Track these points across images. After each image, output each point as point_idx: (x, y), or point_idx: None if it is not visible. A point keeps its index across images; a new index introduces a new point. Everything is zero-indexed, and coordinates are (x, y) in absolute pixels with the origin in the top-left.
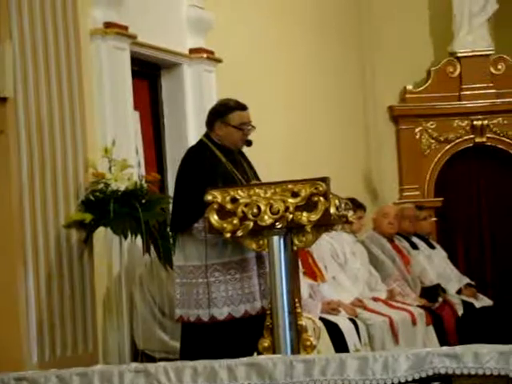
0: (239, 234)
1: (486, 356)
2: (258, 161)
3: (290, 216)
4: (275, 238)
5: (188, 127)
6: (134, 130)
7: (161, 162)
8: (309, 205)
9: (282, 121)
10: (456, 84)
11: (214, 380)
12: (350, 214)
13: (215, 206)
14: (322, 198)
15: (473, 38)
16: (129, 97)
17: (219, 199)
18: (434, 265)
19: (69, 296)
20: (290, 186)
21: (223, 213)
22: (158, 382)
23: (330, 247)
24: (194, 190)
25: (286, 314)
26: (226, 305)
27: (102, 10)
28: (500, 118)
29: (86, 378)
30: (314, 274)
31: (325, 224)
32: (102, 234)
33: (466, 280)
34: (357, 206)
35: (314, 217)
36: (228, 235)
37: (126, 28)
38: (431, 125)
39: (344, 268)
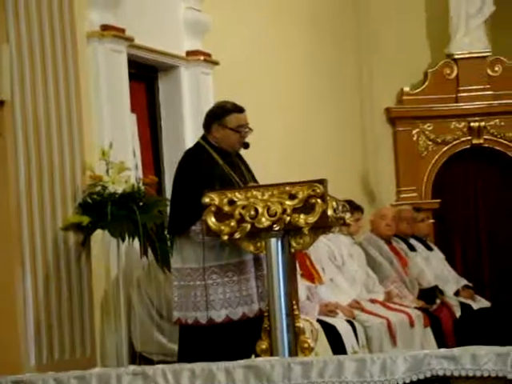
0: (237, 236)
1: (483, 358)
2: (256, 163)
3: (288, 218)
4: (273, 240)
5: (185, 129)
6: (131, 133)
7: (158, 164)
8: (306, 207)
9: (279, 123)
10: (453, 86)
11: (211, 382)
12: (348, 216)
13: (213, 209)
14: (319, 200)
15: (470, 39)
16: (126, 99)
17: (217, 201)
18: (432, 266)
19: (66, 298)
20: (287, 188)
21: (221, 215)
22: None
23: (327, 249)
24: (191, 193)
25: (284, 316)
26: (223, 307)
27: (98, 13)
28: (497, 120)
29: (83, 381)
30: (311, 276)
31: (322, 226)
32: (99, 236)
33: (464, 282)
34: (354, 207)
35: (312, 219)
36: (225, 237)
37: (122, 30)
38: (428, 126)
39: (341, 270)
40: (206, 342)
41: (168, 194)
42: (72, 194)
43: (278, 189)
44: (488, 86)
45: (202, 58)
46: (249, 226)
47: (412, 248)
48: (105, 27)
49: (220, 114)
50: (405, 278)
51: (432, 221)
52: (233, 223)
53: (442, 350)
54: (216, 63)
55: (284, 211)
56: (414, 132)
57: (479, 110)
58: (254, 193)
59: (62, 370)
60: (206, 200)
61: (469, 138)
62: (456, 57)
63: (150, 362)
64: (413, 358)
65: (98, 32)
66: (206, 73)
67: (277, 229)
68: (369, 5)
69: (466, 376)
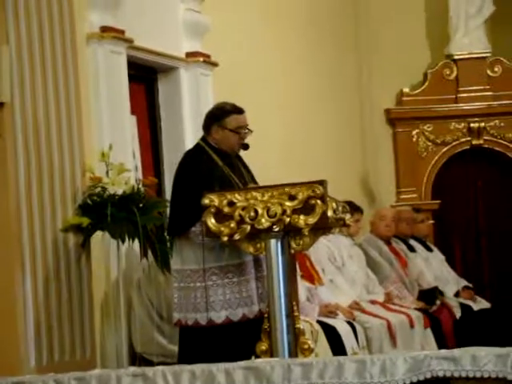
0: (236, 237)
1: (483, 359)
2: (255, 164)
3: (288, 219)
4: (272, 242)
5: (185, 131)
6: (130, 134)
7: (158, 165)
8: (306, 208)
9: (278, 124)
10: (453, 86)
11: None
12: (348, 216)
13: (212, 210)
14: (319, 201)
15: (469, 40)
16: (125, 101)
17: (216, 203)
18: (432, 267)
19: (66, 300)
20: (287, 189)
21: (220, 216)
22: None
23: (327, 250)
24: (191, 194)
25: (284, 317)
26: (223, 308)
27: (98, 14)
28: (497, 121)
29: (83, 382)
30: (311, 277)
31: (322, 227)
32: (99, 238)
33: (464, 282)
34: (354, 208)
35: (312, 220)
36: (225, 239)
37: (122, 32)
38: (428, 127)
39: (341, 271)
40: (206, 343)
41: (168, 195)
42: (72, 196)
43: (277, 190)
44: (488, 87)
45: (201, 59)
46: (249, 227)
47: (412, 249)
48: (104, 29)
49: (219, 116)
50: (405, 278)
51: (432, 221)
52: (232, 224)
53: (442, 351)
54: (215, 64)
55: (284, 212)
56: (414, 133)
57: (479, 111)
58: (254, 194)
59: (62, 372)
60: (206, 201)
61: (468, 138)
62: (456, 57)
63: (150, 364)
64: (413, 359)
65: (98, 33)
66: (205, 74)
67: (276, 230)
68: (369, 5)
69: (466, 377)
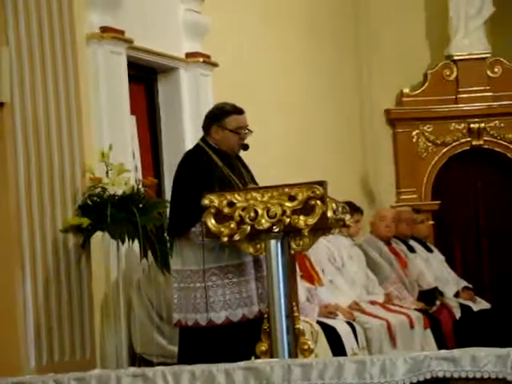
0: (236, 238)
1: (483, 359)
2: (255, 164)
3: (287, 220)
4: (272, 242)
5: (185, 131)
6: (130, 135)
7: (158, 166)
8: (306, 208)
9: (278, 124)
10: (453, 87)
11: None
12: (347, 217)
13: (212, 210)
14: (319, 202)
15: (469, 40)
16: (125, 101)
17: (216, 203)
18: (432, 268)
19: (66, 300)
20: (287, 190)
21: (220, 217)
22: None
23: (327, 251)
24: (190, 195)
25: (284, 317)
26: (223, 309)
27: (98, 15)
28: (497, 121)
29: (83, 383)
30: (311, 277)
31: (322, 228)
32: (99, 238)
33: (464, 283)
34: (354, 209)
35: (311, 220)
36: (225, 239)
37: (122, 32)
38: (428, 128)
39: (341, 271)
40: (205, 343)
41: (168, 195)
42: (72, 196)
43: (277, 190)
44: (488, 88)
45: (201, 59)
46: (248, 228)
47: (412, 249)
48: (104, 29)
49: (219, 116)
50: (404, 279)
51: (432, 222)
52: (232, 225)
53: (442, 352)
54: (215, 65)
55: (284, 213)
56: (414, 133)
57: (479, 112)
58: (254, 194)
59: (62, 372)
60: (206, 202)
61: (468, 139)
62: (456, 58)
63: (150, 364)
64: (413, 360)
65: (98, 34)
66: (205, 74)
67: (276, 230)
68: (369, 5)
69: (466, 378)
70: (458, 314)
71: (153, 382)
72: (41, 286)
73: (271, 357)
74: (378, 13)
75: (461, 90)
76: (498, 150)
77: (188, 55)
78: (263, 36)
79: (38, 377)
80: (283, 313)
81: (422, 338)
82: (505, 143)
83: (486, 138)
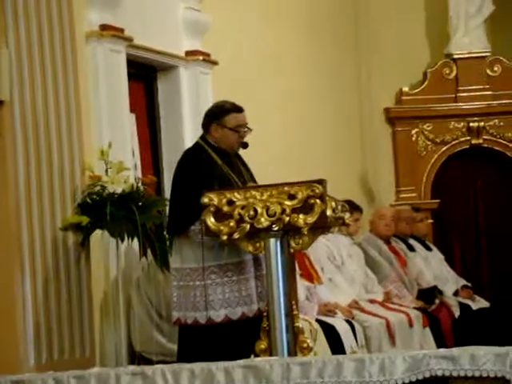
0: (236, 236)
1: (482, 358)
2: (255, 163)
3: (287, 218)
4: (272, 241)
5: (184, 129)
6: (130, 133)
7: (157, 164)
8: (305, 207)
9: (278, 123)
10: (452, 86)
11: (211, 382)
12: (347, 216)
13: (212, 209)
14: (318, 201)
15: (469, 39)
16: (125, 99)
17: (216, 202)
18: (431, 267)
19: (66, 299)
20: (286, 189)
21: (220, 215)
22: None
23: (326, 249)
24: (190, 193)
25: (283, 316)
26: (223, 307)
27: (97, 13)
28: (496, 120)
29: (83, 381)
30: (310, 276)
31: (321, 226)
32: (98, 236)
33: (463, 282)
34: (353, 208)
35: (311, 219)
36: (225, 238)
37: (121, 30)
38: (427, 126)
39: (341, 270)
40: (205, 341)
41: (167, 193)
42: (71, 194)
43: (277, 189)
44: (487, 86)
45: (201, 57)
46: (248, 226)
47: (411, 248)
48: (104, 27)
49: (219, 114)
50: (404, 278)
51: (431, 221)
52: (232, 223)
53: (441, 350)
54: (215, 63)
55: (283, 211)
56: (413, 132)
57: (478, 110)
58: (253, 193)
59: (62, 370)
60: (205, 200)
61: (468, 138)
62: (455, 57)
63: (150, 362)
64: (412, 358)
65: (97, 32)
66: (205, 73)
67: (276, 229)
68: (368, 5)
69: (465, 376)
70: (457, 313)
71: (152, 381)
72: (40, 284)
73: (270, 355)
74: (378, 11)
75: (460, 88)
76: (497, 148)
77: (188, 53)
78: (263, 34)
79: (38, 375)
80: (282, 311)
81: (421, 336)
82: (504, 142)
83: (485, 137)
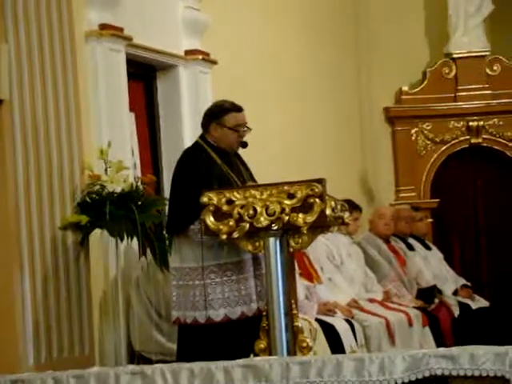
0: (235, 235)
1: (482, 357)
2: (254, 162)
3: (286, 217)
4: (271, 240)
5: (184, 129)
6: (129, 132)
7: (156, 163)
8: (305, 206)
9: (277, 122)
10: (452, 85)
11: (210, 382)
12: (346, 215)
13: (211, 208)
14: (317, 200)
15: (468, 38)
16: (124, 98)
17: (215, 201)
18: (431, 266)
19: (65, 298)
20: (285, 188)
21: (219, 214)
22: None
23: (325, 249)
24: (189, 192)
25: (282, 315)
26: (222, 306)
27: (97, 12)
28: (496, 119)
29: (82, 380)
30: (310, 275)
31: (321, 225)
32: (97, 236)
33: (462, 281)
34: (353, 207)
35: (310, 218)
36: (224, 237)
37: (121, 30)
38: (427, 126)
39: (340, 269)
40: (204, 341)
41: (166, 193)
42: (70, 194)
43: (276, 188)
44: (487, 86)
45: (200, 57)
46: (247, 226)
47: (410, 247)
48: (103, 26)
49: (218, 113)
50: (403, 277)
51: (430, 220)
52: (231, 222)
53: (441, 350)
54: (215, 62)
55: (282, 210)
56: (413, 131)
57: (478, 110)
58: (253, 192)
59: (61, 369)
60: (205, 199)
61: (467, 137)
62: (455, 56)
63: (149, 362)
64: (411, 358)
65: (97, 31)
66: (204, 72)
67: (275, 228)
68: (368, 4)
69: (465, 375)
70: (456, 312)
71: (151, 380)
72: (39, 284)
73: (270, 354)
74: (378, 11)
75: (460, 88)
76: (496, 148)
77: (187, 53)
78: (263, 34)
79: (37, 374)
80: (282, 310)
81: (420, 335)
82: (504, 141)
83: (484, 136)
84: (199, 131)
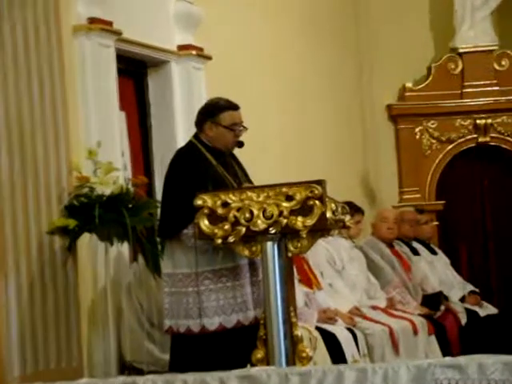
0: (231, 239)
1: (490, 367)
2: (250, 163)
3: (285, 221)
4: (269, 244)
5: (176, 128)
6: (119, 131)
7: (148, 164)
8: (304, 209)
9: (275, 121)
10: (458, 81)
11: None
12: (347, 218)
13: (205, 211)
14: (317, 202)
15: (475, 32)
16: (114, 96)
17: (209, 203)
18: (436, 271)
19: (52, 306)
20: (284, 190)
21: (214, 218)
22: None
23: (326, 253)
24: (183, 194)
25: (281, 323)
26: (217, 314)
27: (85, 5)
28: (504, 117)
29: None
30: (309, 281)
31: (321, 229)
32: (86, 240)
33: (470, 287)
34: (354, 209)
35: (310, 221)
36: (219, 241)
37: (110, 24)
38: (432, 124)
39: (341, 275)
40: (198, 351)
41: (158, 195)
42: (57, 196)
43: (274, 190)
44: (495, 82)
45: (193, 52)
46: (244, 229)
47: (415, 252)
48: (92, 20)
49: (213, 112)
50: (408, 283)
51: (436, 223)
52: (227, 226)
53: (447, 359)
54: (209, 58)
55: (281, 213)
56: (417, 130)
57: (485, 107)
58: (249, 194)
59: (48, 381)
60: (199, 202)
61: (475, 135)
62: (461, 51)
63: (140, 373)
64: (416, 368)
65: (85, 25)
66: (198, 68)
67: (273, 232)
68: None
69: None
70: (463, 320)
71: None
72: (25, 291)
73: (268, 365)
74: (381, 4)
75: (466, 84)
76: (505, 147)
77: (180, 48)
78: (259, 27)
79: None
80: (280, 318)
81: (426, 344)
82: None
83: (492, 135)
84: (193, 130)
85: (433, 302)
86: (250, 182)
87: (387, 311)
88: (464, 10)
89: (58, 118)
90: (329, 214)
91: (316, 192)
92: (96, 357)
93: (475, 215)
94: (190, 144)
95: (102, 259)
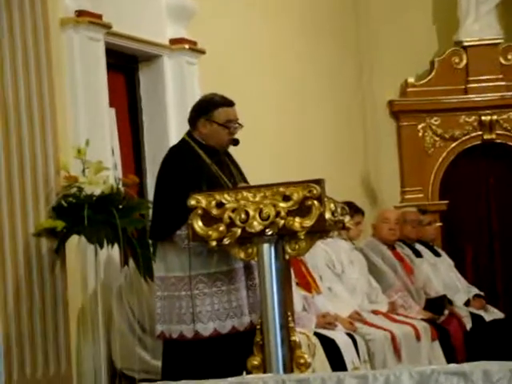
0: (226, 241)
1: (496, 374)
2: (246, 162)
3: (282, 222)
4: (265, 246)
5: (169, 125)
6: (109, 129)
7: (139, 163)
8: (302, 209)
9: (272, 118)
10: (462, 76)
11: None
12: (347, 219)
13: (199, 212)
14: (316, 202)
15: (480, 25)
16: (104, 92)
17: (204, 204)
18: (440, 274)
19: (39, 310)
20: (281, 189)
21: (208, 219)
22: None
23: (325, 255)
24: (175, 195)
25: (278, 329)
26: (211, 320)
27: None
28: (510, 113)
29: None
30: (308, 284)
31: (319, 230)
32: (75, 242)
33: (475, 291)
34: (354, 210)
35: (308, 222)
36: (214, 243)
37: (99, 17)
38: (435, 121)
39: (341, 278)
40: (192, 357)
41: (150, 195)
42: (45, 197)
43: (270, 190)
44: (500, 76)
45: (186, 46)
46: (239, 231)
47: (418, 254)
48: (80, 13)
49: (207, 108)
50: (410, 286)
51: (439, 224)
52: (222, 228)
53: (452, 366)
54: (202, 52)
55: (277, 214)
56: (420, 127)
57: (491, 103)
58: (245, 194)
59: None
60: (192, 202)
61: (479, 132)
62: (465, 44)
63: (132, 381)
64: (419, 375)
65: (73, 18)
66: (191, 62)
67: (270, 233)
68: None
69: None
70: (468, 325)
71: None
72: (11, 295)
73: (264, 372)
74: (382, 3)
75: (471, 79)
76: (511, 144)
77: (172, 41)
78: (254, 21)
79: None
80: (277, 324)
81: (429, 350)
82: None
83: (498, 132)
84: (186, 127)
85: (436, 306)
86: (245, 181)
87: (389, 316)
88: (468, 3)
89: (45, 115)
90: (328, 215)
91: (314, 192)
92: (85, 364)
93: (480, 215)
94: (182, 142)
95: (92, 262)
